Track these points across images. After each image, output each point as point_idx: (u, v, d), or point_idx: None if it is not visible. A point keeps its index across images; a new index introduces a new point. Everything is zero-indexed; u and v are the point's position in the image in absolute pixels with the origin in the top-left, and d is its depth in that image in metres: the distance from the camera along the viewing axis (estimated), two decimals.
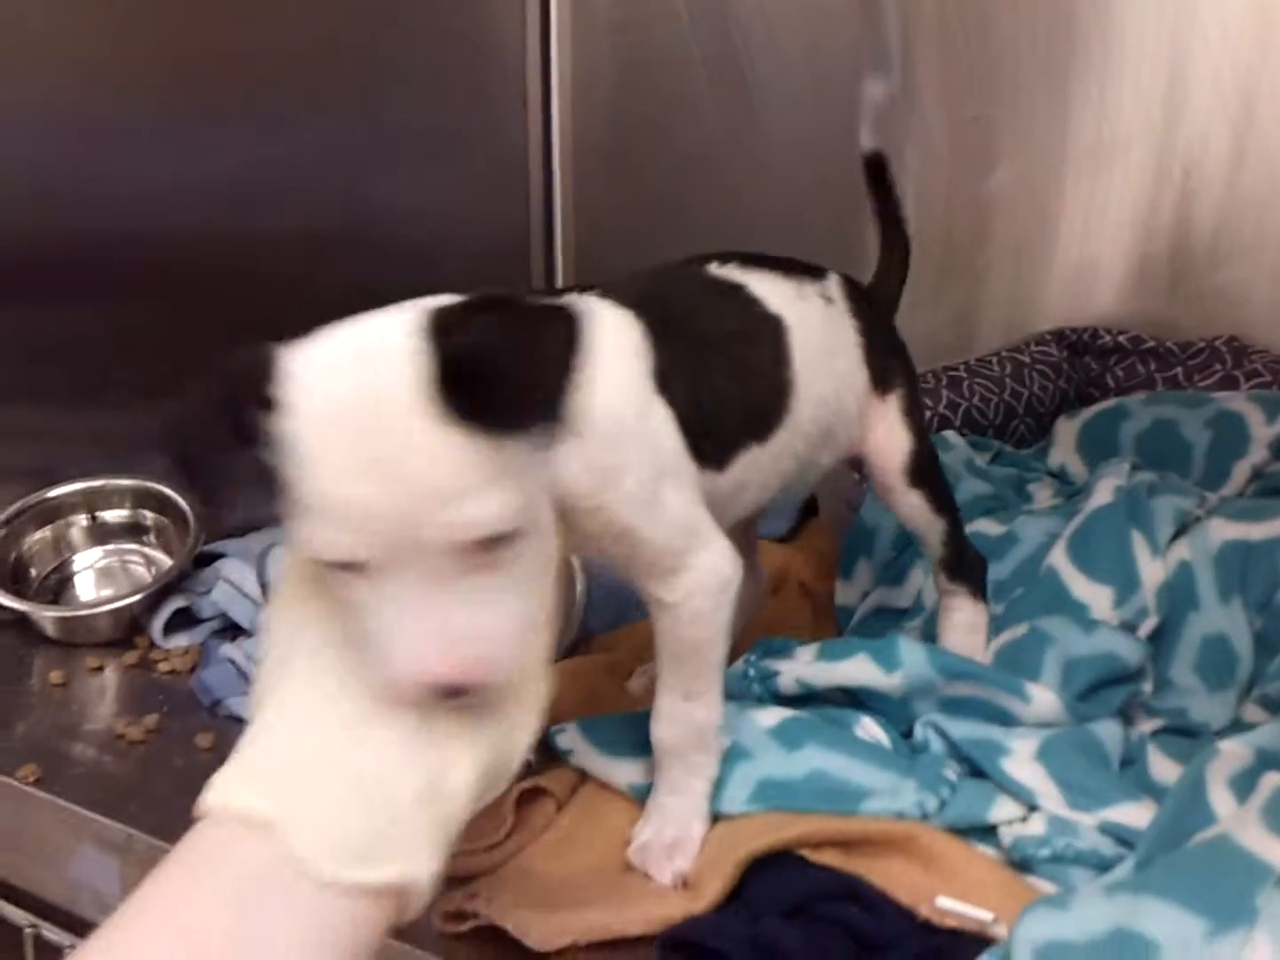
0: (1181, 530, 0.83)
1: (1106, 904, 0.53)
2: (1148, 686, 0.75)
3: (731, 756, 0.67)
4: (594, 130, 1.33)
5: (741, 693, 0.74)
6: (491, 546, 0.45)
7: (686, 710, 0.64)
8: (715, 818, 0.66)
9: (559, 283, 1.38)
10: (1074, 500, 0.91)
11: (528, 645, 0.49)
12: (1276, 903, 0.52)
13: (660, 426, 0.60)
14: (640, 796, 0.68)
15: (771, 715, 0.71)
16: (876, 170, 0.80)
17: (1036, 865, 0.62)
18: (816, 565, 0.97)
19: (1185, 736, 0.73)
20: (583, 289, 0.64)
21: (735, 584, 0.62)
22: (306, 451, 0.43)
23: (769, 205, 1.24)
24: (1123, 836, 0.62)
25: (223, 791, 0.45)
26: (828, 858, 0.62)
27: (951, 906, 0.59)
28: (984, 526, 0.89)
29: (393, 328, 0.45)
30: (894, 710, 0.72)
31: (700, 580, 0.61)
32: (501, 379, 0.43)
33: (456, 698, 0.46)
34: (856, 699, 0.73)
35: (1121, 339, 1.09)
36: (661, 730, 0.65)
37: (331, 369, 0.45)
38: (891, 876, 0.61)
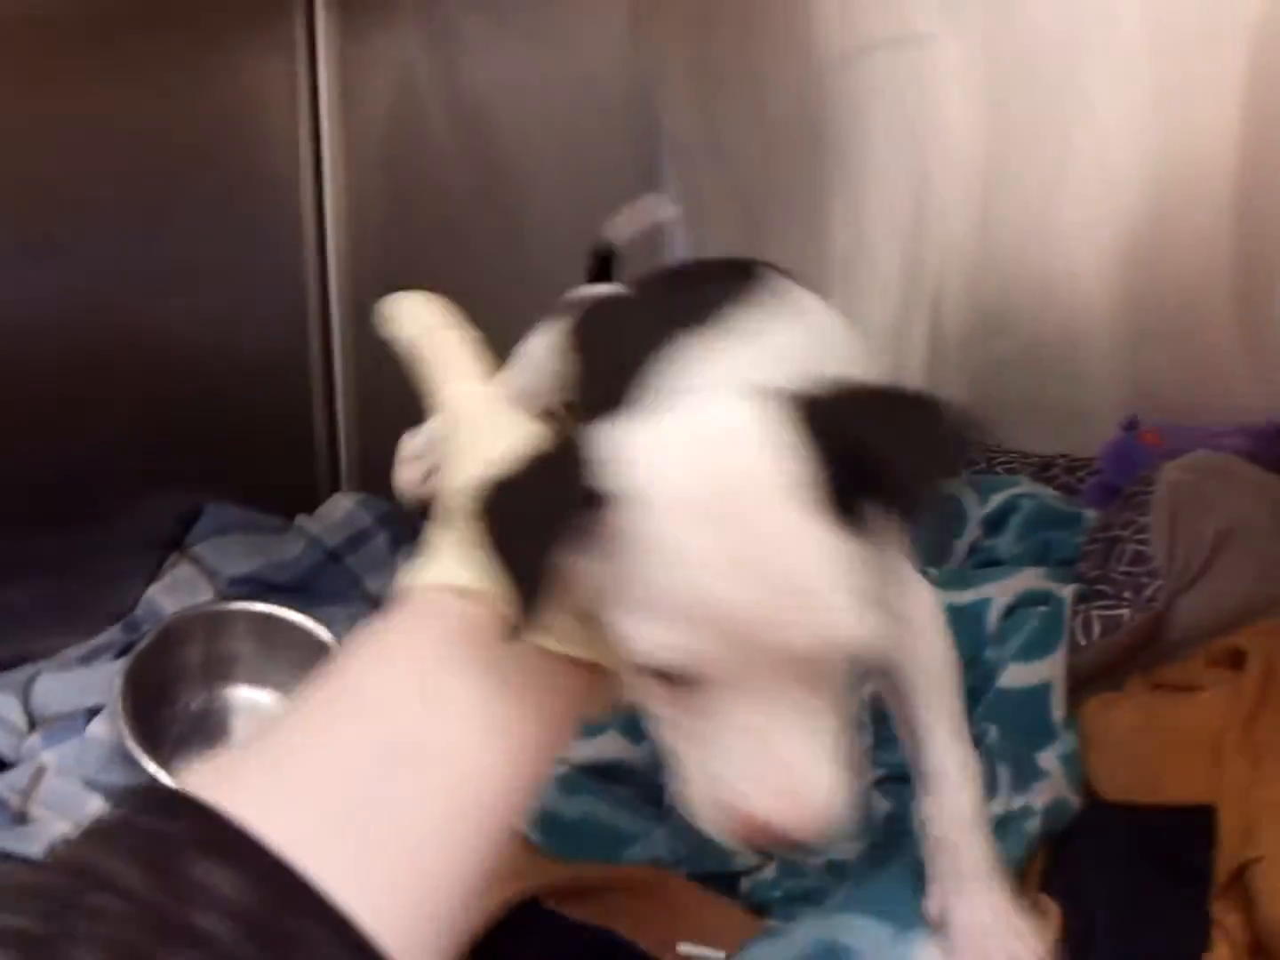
0: None
1: (814, 925, 0.59)
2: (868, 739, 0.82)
3: None
4: (368, 254, 1.39)
5: None
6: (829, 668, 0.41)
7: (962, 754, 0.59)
8: None
9: (338, 400, 1.42)
10: None
11: (844, 791, 0.41)
12: None
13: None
14: None
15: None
16: (605, 261, 0.85)
17: (772, 906, 0.68)
18: None
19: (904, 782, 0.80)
20: None
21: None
22: (660, 544, 0.39)
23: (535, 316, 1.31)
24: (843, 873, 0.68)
25: (434, 572, 0.44)
26: (579, 909, 0.66)
27: (690, 950, 0.64)
28: None
29: (743, 412, 0.41)
30: (644, 780, 0.77)
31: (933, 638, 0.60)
32: (888, 471, 0.38)
33: (781, 847, 0.41)
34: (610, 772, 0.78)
35: None
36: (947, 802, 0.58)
37: (685, 456, 0.40)
38: (640, 925, 0.65)
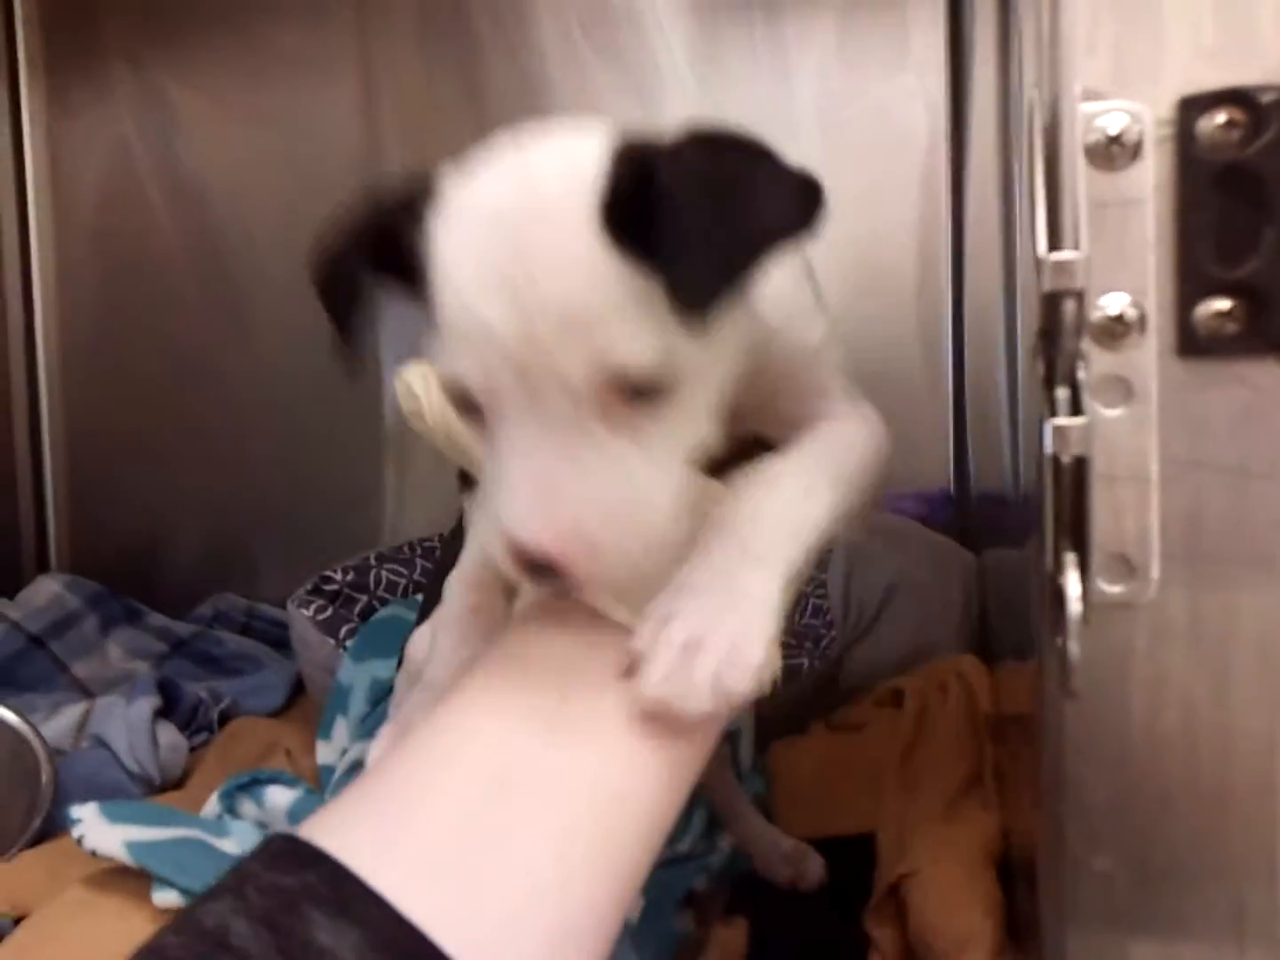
0: None
1: None
2: None
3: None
4: (79, 330, 1.35)
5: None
6: (633, 400, 0.38)
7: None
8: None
9: (47, 476, 1.36)
10: None
11: (658, 532, 0.39)
12: None
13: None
14: None
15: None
16: None
17: None
18: (302, 735, 1.01)
19: None
20: None
21: (885, 450, 0.53)
22: (448, 264, 0.39)
23: (263, 395, 1.31)
24: None
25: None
26: None
27: None
28: None
29: (554, 148, 0.41)
30: None
31: (860, 427, 0.52)
32: (689, 236, 0.36)
33: (551, 583, 0.38)
34: None
35: None
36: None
37: (493, 181, 0.40)
38: None
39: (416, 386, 0.50)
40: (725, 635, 0.40)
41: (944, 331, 1.22)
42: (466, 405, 0.41)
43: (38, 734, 0.89)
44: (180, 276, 1.32)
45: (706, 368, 0.41)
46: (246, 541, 1.33)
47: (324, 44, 1.29)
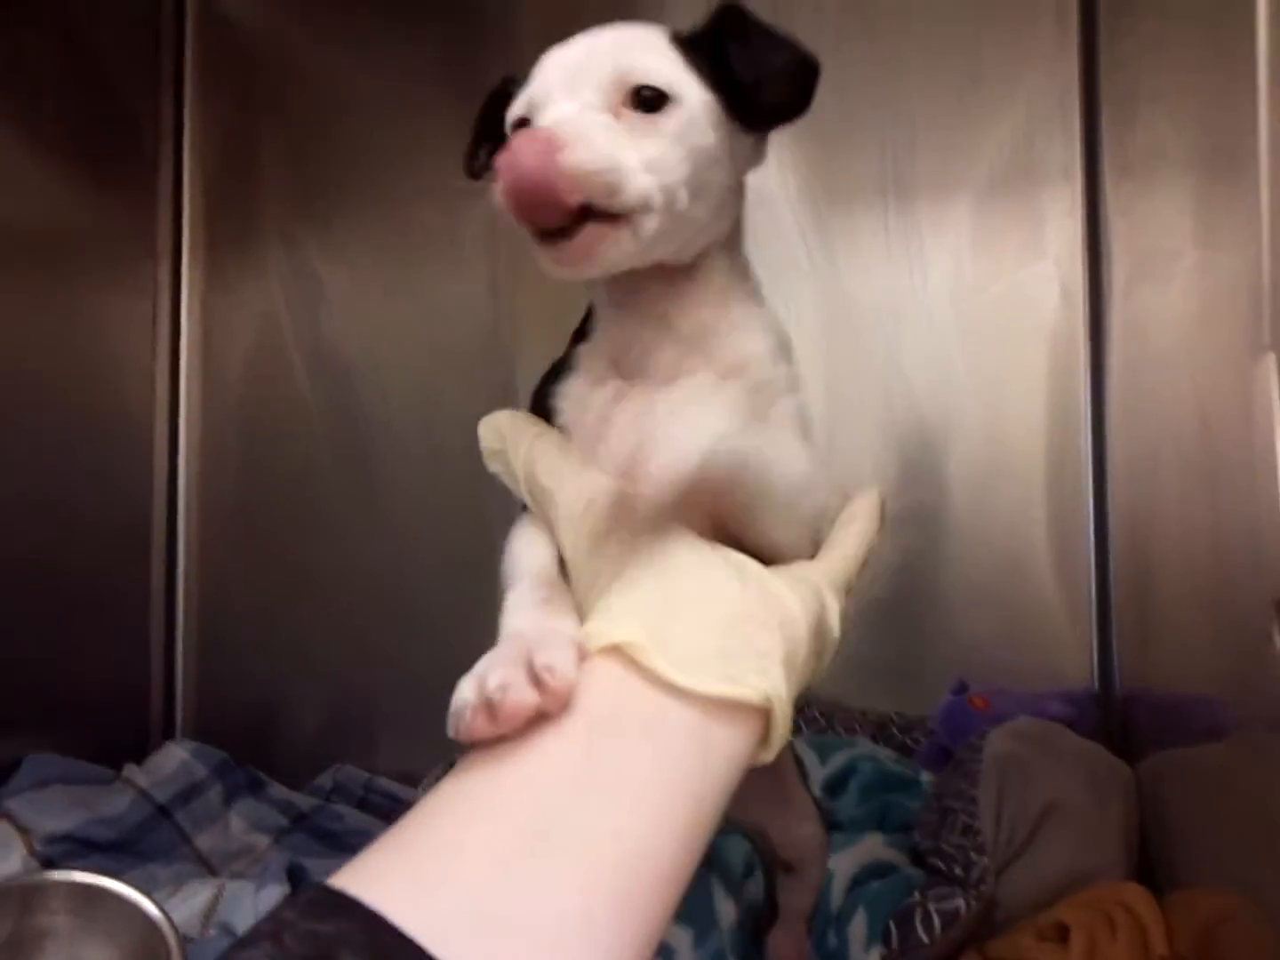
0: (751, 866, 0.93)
1: None
2: None
3: None
4: (220, 497, 1.39)
5: None
6: (646, 111, 0.51)
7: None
8: None
9: (178, 643, 1.38)
10: None
11: (623, 176, 0.49)
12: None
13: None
14: None
15: None
16: None
17: None
18: None
19: None
20: None
21: (822, 497, 0.57)
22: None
23: (390, 568, 1.33)
24: None
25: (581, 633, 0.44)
26: None
27: None
28: None
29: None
30: None
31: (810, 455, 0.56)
32: (736, 47, 0.52)
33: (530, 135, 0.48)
34: None
35: None
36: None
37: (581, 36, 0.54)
38: None
39: (504, 427, 0.57)
40: (521, 649, 0.42)
41: (1083, 523, 1.19)
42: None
43: (171, 924, 0.87)
44: (318, 447, 1.36)
45: (701, 149, 0.52)
46: (367, 714, 1.33)
47: (459, 225, 1.34)
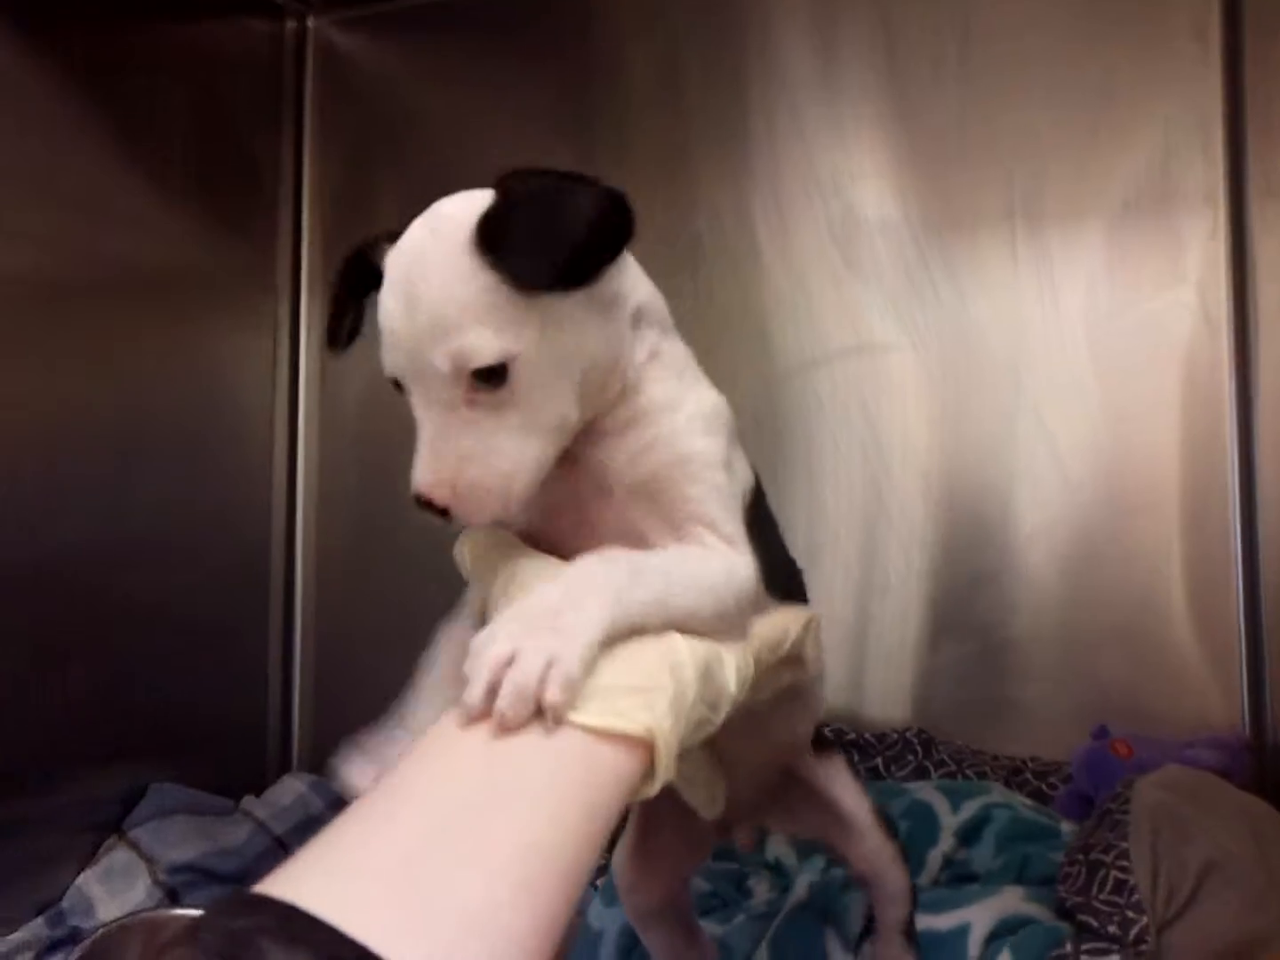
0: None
1: None
2: None
3: None
4: (337, 531, 1.40)
5: None
6: (493, 385, 0.52)
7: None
8: None
9: (295, 676, 1.39)
10: (785, 894, 0.96)
11: (513, 486, 0.53)
12: None
13: (737, 457, 0.61)
14: None
15: None
16: None
17: None
18: None
19: None
20: None
21: (749, 593, 0.57)
22: (383, 291, 0.54)
23: None
24: None
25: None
26: None
27: None
28: (705, 927, 0.92)
29: (476, 195, 0.54)
30: None
31: (721, 561, 0.56)
32: (522, 235, 0.50)
33: (445, 519, 0.52)
34: None
35: (825, 730, 1.19)
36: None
37: (415, 227, 0.54)
38: None
39: (465, 549, 0.62)
40: (542, 653, 0.44)
41: (1230, 561, 1.13)
42: (399, 386, 0.55)
43: None
44: None
45: (557, 359, 0.53)
46: None
47: None
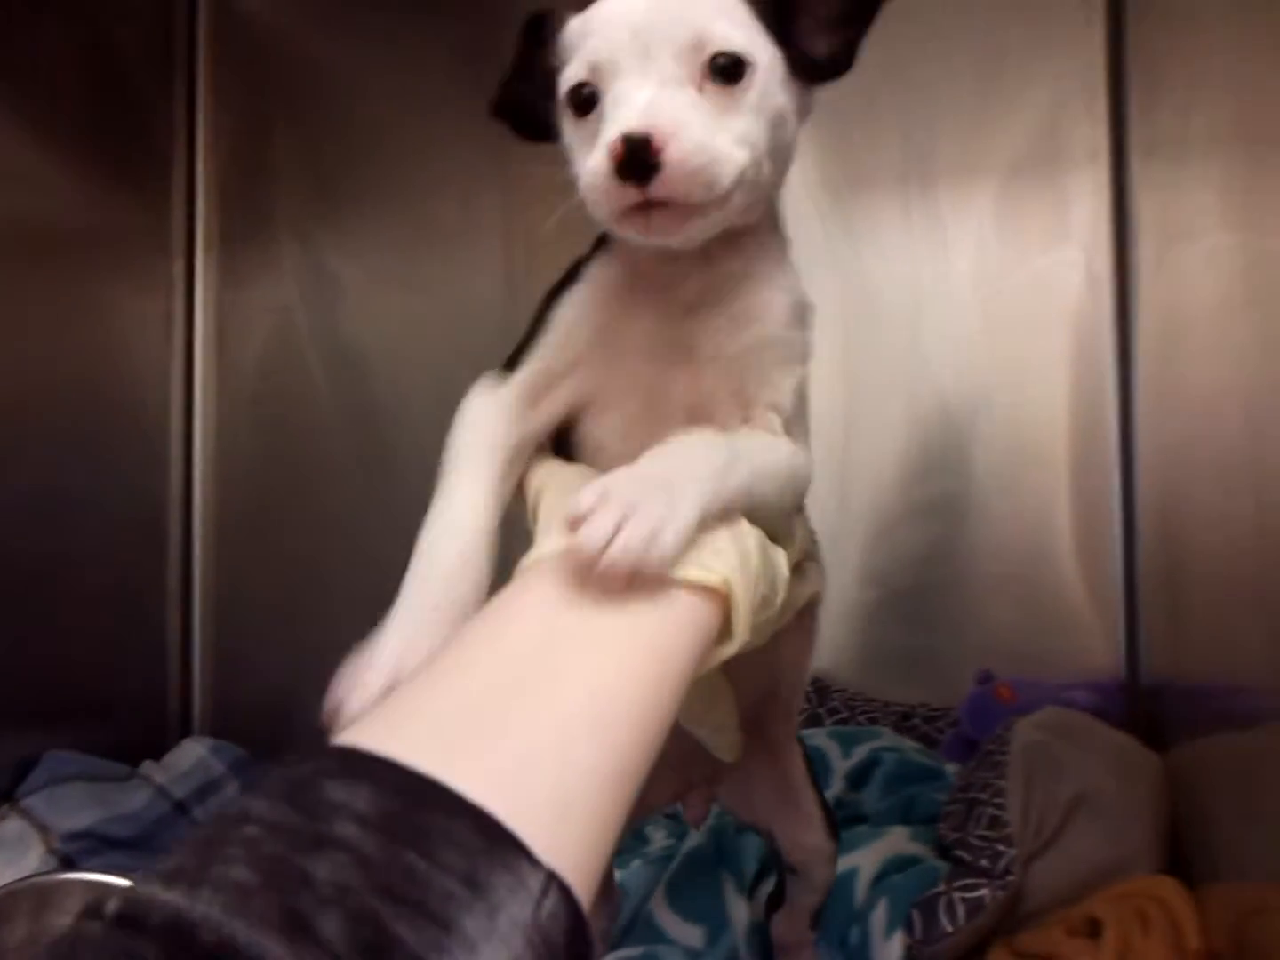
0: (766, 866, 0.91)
1: None
2: None
3: None
4: (235, 490, 1.38)
5: None
6: (726, 83, 0.50)
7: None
8: None
9: (195, 638, 1.38)
10: (682, 841, 0.98)
11: (722, 178, 0.49)
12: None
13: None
14: None
15: None
16: None
17: None
18: None
19: None
20: None
21: (804, 492, 0.59)
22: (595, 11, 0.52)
23: (405, 564, 1.31)
24: None
25: (549, 546, 0.46)
26: None
27: None
28: None
29: None
30: None
31: (788, 453, 0.56)
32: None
33: (639, 183, 0.47)
34: None
35: None
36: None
37: None
38: None
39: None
40: (653, 514, 0.45)
41: (1111, 512, 1.17)
42: (578, 105, 0.52)
43: None
44: (334, 442, 1.35)
45: (776, 103, 0.52)
46: None
47: (474, 220, 1.33)
